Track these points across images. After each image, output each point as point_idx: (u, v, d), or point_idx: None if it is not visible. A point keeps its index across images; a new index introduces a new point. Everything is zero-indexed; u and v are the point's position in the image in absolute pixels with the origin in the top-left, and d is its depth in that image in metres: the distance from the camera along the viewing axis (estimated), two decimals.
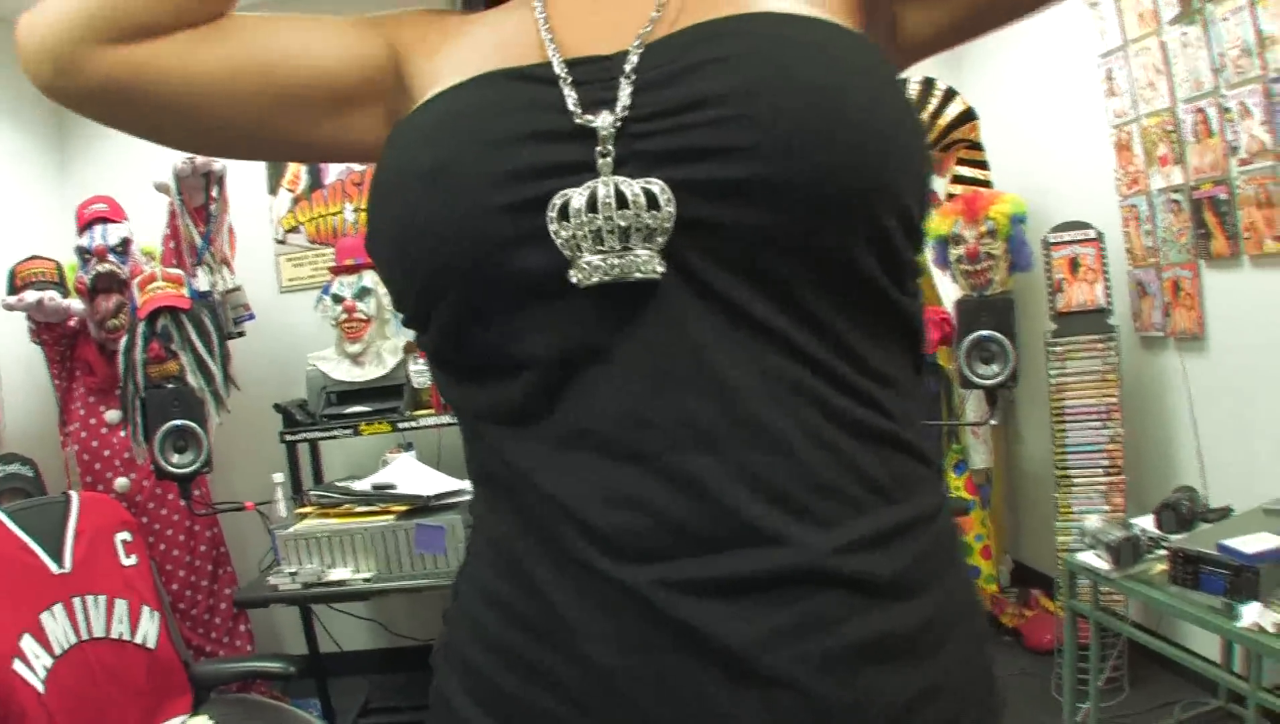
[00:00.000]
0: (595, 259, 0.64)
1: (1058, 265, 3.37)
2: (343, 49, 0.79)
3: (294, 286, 4.19)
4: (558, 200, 0.64)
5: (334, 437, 3.57)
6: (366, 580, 2.83)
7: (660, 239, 0.63)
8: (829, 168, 0.63)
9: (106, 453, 3.57)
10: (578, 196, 0.64)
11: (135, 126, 0.78)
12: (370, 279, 3.57)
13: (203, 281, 3.54)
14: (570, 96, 0.67)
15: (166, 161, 3.45)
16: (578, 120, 0.66)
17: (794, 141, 0.62)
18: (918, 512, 0.69)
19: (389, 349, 3.64)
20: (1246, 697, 2.34)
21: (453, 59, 0.78)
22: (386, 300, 3.64)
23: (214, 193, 3.59)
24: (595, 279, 0.64)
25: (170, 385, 3.24)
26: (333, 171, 4.26)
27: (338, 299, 3.58)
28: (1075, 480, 3.30)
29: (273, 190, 4.22)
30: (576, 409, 0.66)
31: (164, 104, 0.75)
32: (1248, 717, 2.36)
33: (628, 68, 0.67)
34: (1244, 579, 2.20)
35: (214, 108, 0.75)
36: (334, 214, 4.23)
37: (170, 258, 3.62)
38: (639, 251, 0.63)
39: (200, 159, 3.46)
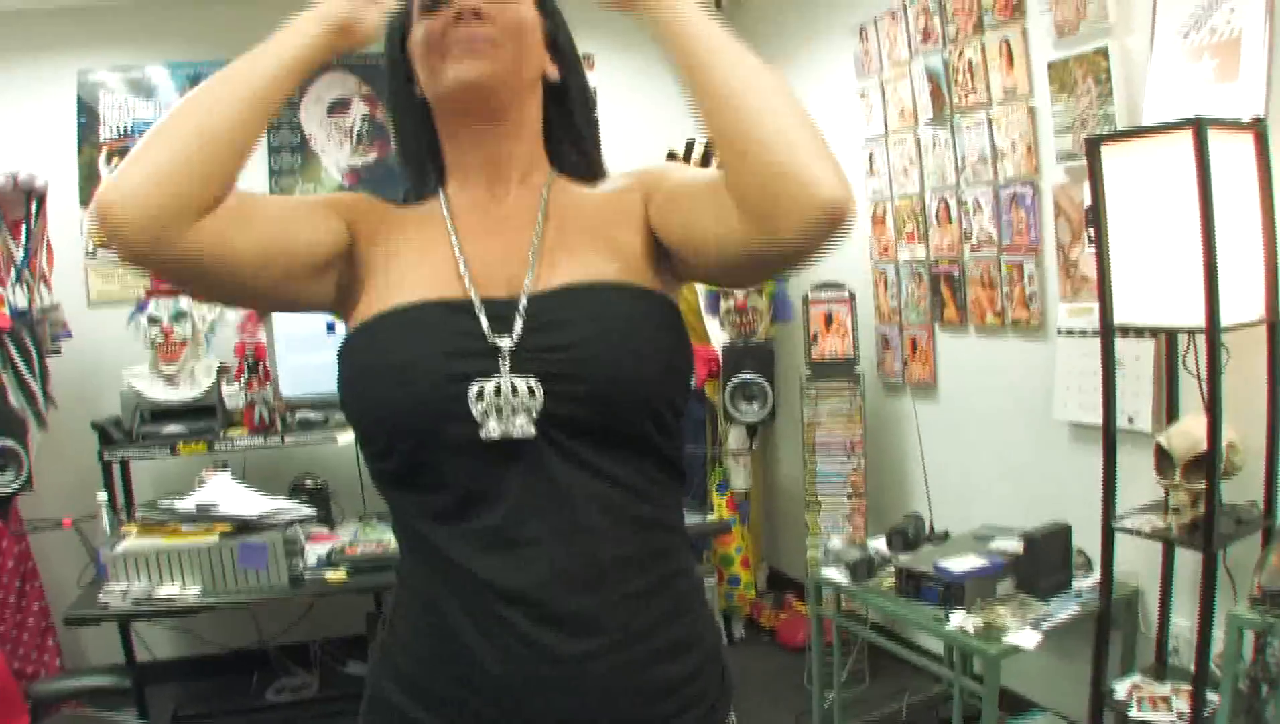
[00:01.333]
0: (494, 424, 0.98)
1: (815, 319, 3.87)
2: (325, 230, 1.08)
3: (104, 300, 4.16)
4: (474, 388, 0.98)
5: (152, 457, 3.62)
6: (196, 596, 2.97)
7: (534, 414, 0.98)
8: (628, 388, 1.00)
9: None
10: (488, 386, 0.98)
11: (196, 289, 1.03)
12: (186, 302, 3.64)
13: (20, 298, 3.54)
14: (485, 325, 1.02)
15: None
16: (490, 341, 1.01)
17: (609, 373, 0.99)
18: (677, 567, 1.09)
19: (203, 369, 3.73)
20: (953, 681, 2.91)
21: (392, 261, 1.10)
22: (201, 323, 3.72)
23: (34, 209, 3.59)
24: (495, 435, 0.98)
25: None
26: None
27: (154, 321, 3.63)
28: (824, 504, 3.84)
29: (84, 202, 4.18)
30: (482, 515, 1.00)
31: (215, 276, 0.99)
32: (955, 697, 2.94)
33: (520, 309, 1.03)
34: (952, 592, 2.72)
35: (247, 278, 1.01)
36: None
37: None
38: (520, 420, 0.98)
39: (23, 174, 3.47)
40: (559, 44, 1.17)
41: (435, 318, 1.03)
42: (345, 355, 1.05)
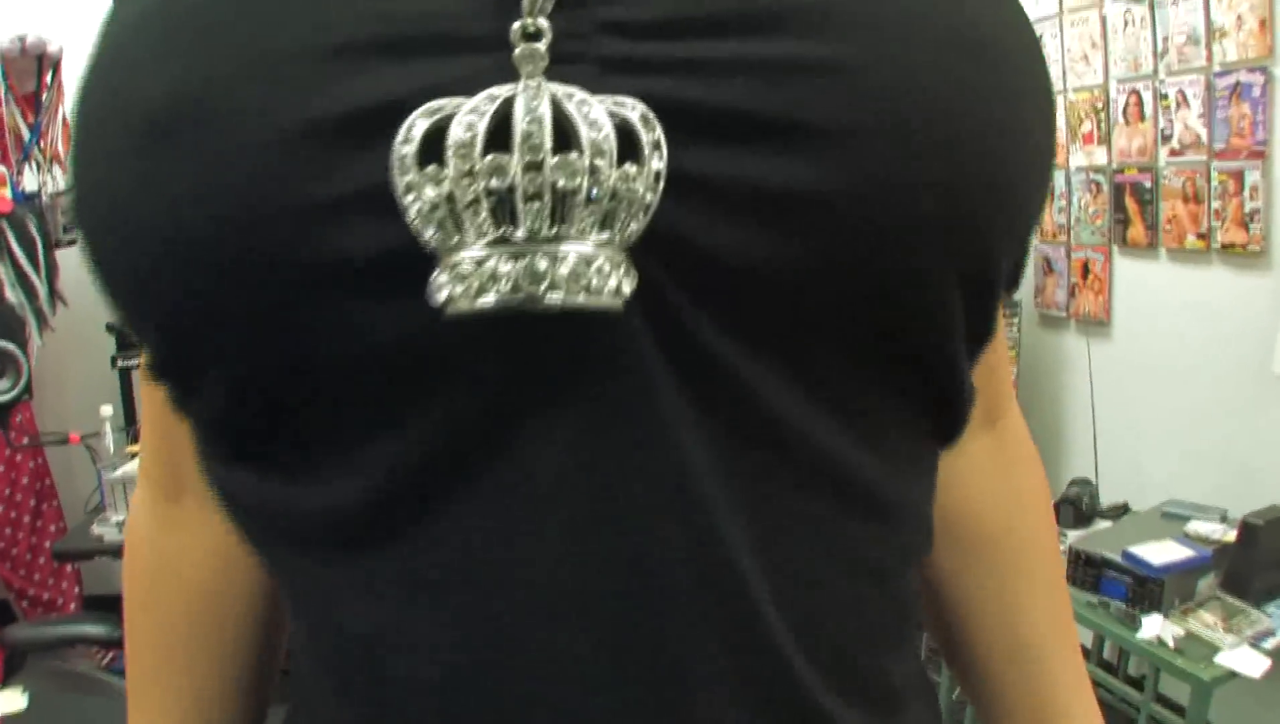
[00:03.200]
0: (488, 255, 0.33)
1: None
2: None
3: None
4: (420, 122, 0.33)
5: None
6: None
7: (633, 225, 0.34)
8: (976, 194, 0.38)
9: None
10: (464, 120, 0.33)
11: None
12: None
13: (29, 181, 3.14)
14: None
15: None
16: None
17: (931, 116, 0.36)
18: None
19: None
20: (1139, 706, 2.35)
21: None
22: None
23: (47, 79, 3.17)
24: (487, 299, 0.33)
25: None
26: None
27: None
28: None
29: None
30: (446, 538, 0.39)
31: None
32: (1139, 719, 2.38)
33: None
34: (1147, 589, 2.17)
35: None
36: None
37: None
38: (586, 247, 0.33)
39: (32, 38, 3.05)
40: None
41: None
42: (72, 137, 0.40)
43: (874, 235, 0.36)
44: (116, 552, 2.62)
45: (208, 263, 0.35)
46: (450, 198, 0.33)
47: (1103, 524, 2.55)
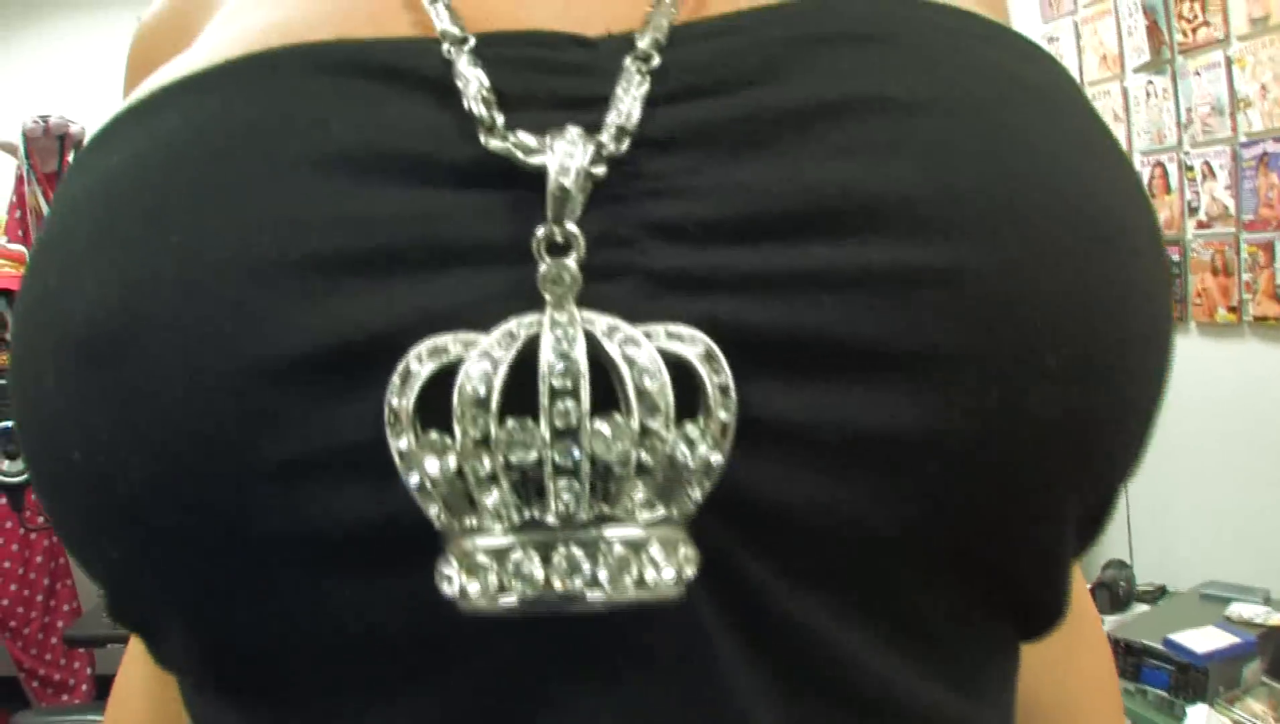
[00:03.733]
0: (509, 545, 0.26)
1: None
2: None
3: None
4: (418, 366, 0.26)
5: None
6: None
7: (695, 493, 0.27)
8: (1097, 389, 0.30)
9: None
10: (475, 370, 0.26)
11: None
12: None
13: None
14: (476, 85, 0.29)
15: (14, 116, 3.04)
16: (494, 145, 0.28)
17: (1061, 332, 0.29)
18: None
19: None
20: None
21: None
22: None
23: (69, 158, 3.16)
24: (509, 599, 0.26)
25: (3, 381, 2.84)
26: None
27: None
28: None
29: None
30: None
31: None
32: None
33: (647, 49, 0.30)
34: (1191, 678, 2.09)
35: None
36: None
37: (15, 229, 3.22)
38: (635, 531, 0.27)
39: (54, 119, 3.08)
40: None
41: (272, 108, 0.30)
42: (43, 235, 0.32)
43: (993, 481, 0.29)
44: (128, 638, 2.59)
45: (145, 522, 0.28)
46: (459, 473, 0.26)
47: (1140, 608, 2.48)
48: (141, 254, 0.28)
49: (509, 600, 0.26)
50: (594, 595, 0.26)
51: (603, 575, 0.26)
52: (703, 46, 0.31)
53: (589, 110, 0.29)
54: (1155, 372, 0.33)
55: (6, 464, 2.78)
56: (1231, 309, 2.65)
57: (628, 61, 0.29)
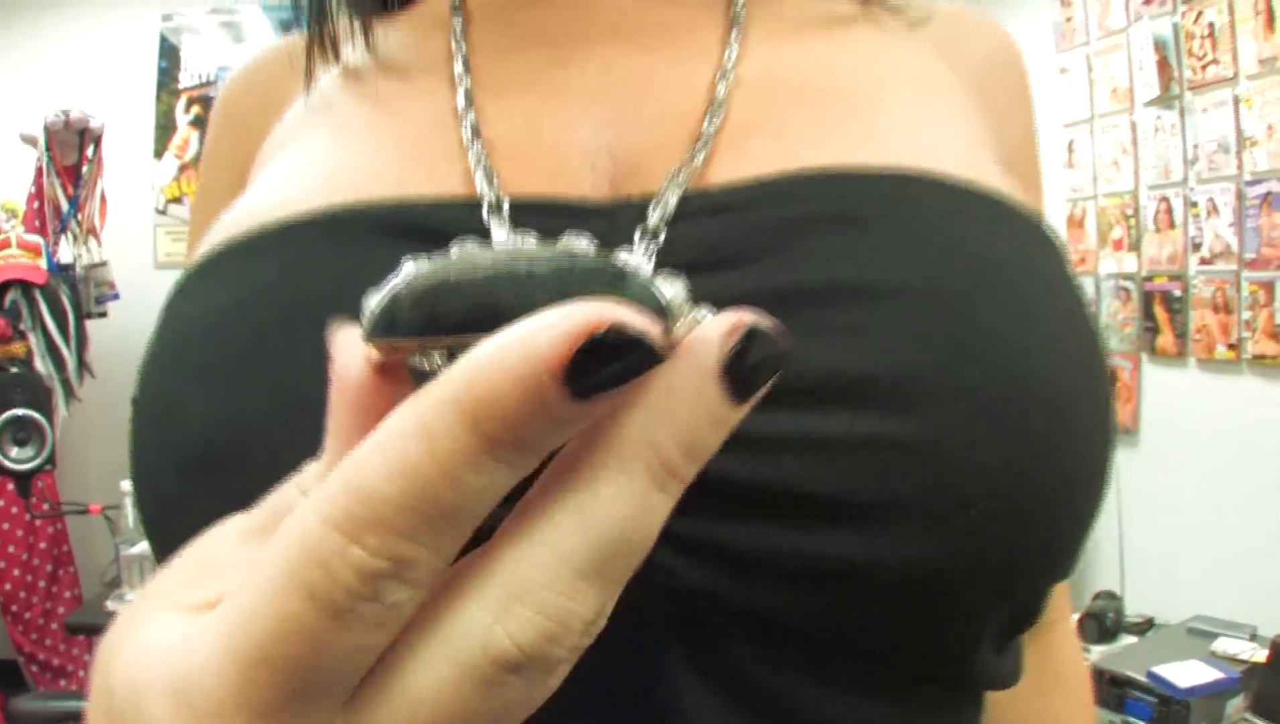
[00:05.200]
0: None
1: None
2: None
3: (171, 263, 3.81)
4: None
5: None
6: None
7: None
8: (1025, 539, 0.36)
9: None
10: None
11: None
12: None
13: (65, 252, 3.19)
14: None
15: (36, 106, 3.08)
16: None
17: (996, 492, 0.34)
18: None
19: None
20: None
21: (303, 144, 0.47)
22: None
23: (88, 152, 3.21)
24: None
25: (15, 369, 2.89)
26: None
27: None
28: None
29: (158, 154, 3.85)
30: None
31: None
32: None
33: (655, 221, 0.36)
34: (1174, 711, 2.13)
35: None
36: None
37: (33, 219, 3.24)
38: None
39: (76, 112, 3.10)
40: None
41: (346, 261, 0.38)
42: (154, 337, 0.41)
43: (922, 604, 0.35)
44: None
45: None
46: None
47: (1128, 639, 2.51)
48: (244, 391, 0.35)
49: None
50: None
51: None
52: (705, 224, 0.36)
53: None
54: (1085, 512, 0.37)
55: (15, 451, 2.81)
56: (1231, 346, 2.68)
57: (638, 236, 0.36)
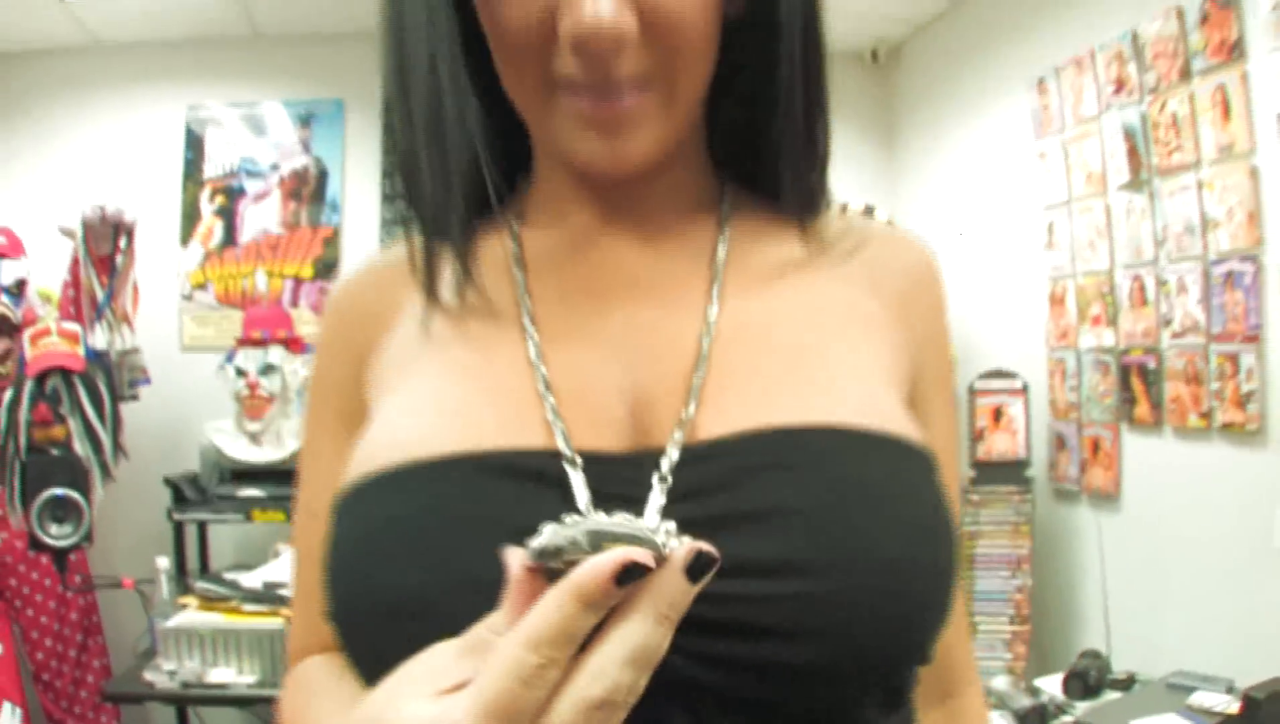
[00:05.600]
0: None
1: (982, 412, 3.40)
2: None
3: (195, 346, 4.00)
4: None
5: (224, 520, 3.44)
6: (250, 685, 2.67)
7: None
8: (891, 646, 0.59)
9: None
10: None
11: None
12: (276, 356, 3.44)
13: (100, 339, 3.34)
14: (586, 494, 0.59)
15: (72, 198, 3.31)
16: None
17: (865, 622, 0.57)
18: None
19: (289, 430, 3.48)
20: None
21: (406, 375, 0.68)
22: (293, 378, 3.49)
23: (121, 244, 3.39)
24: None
25: (55, 451, 3.04)
26: (248, 230, 4.10)
27: (240, 372, 3.43)
28: (981, 627, 3.31)
29: (184, 241, 4.04)
30: None
31: None
32: None
33: (660, 475, 0.59)
34: None
35: None
36: (245, 275, 4.07)
37: (68, 306, 3.41)
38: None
39: (111, 207, 3.28)
40: None
41: (480, 492, 0.59)
42: (332, 529, 0.64)
43: (827, 687, 0.57)
44: (166, 699, 2.75)
45: None
46: None
47: (1112, 695, 2.60)
48: (416, 574, 0.56)
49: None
50: None
51: None
52: (695, 468, 0.58)
53: (632, 506, 0.54)
54: (929, 627, 0.60)
55: (54, 528, 2.96)
56: (1202, 415, 2.78)
57: (655, 480, 0.57)
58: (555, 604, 0.44)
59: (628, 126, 0.62)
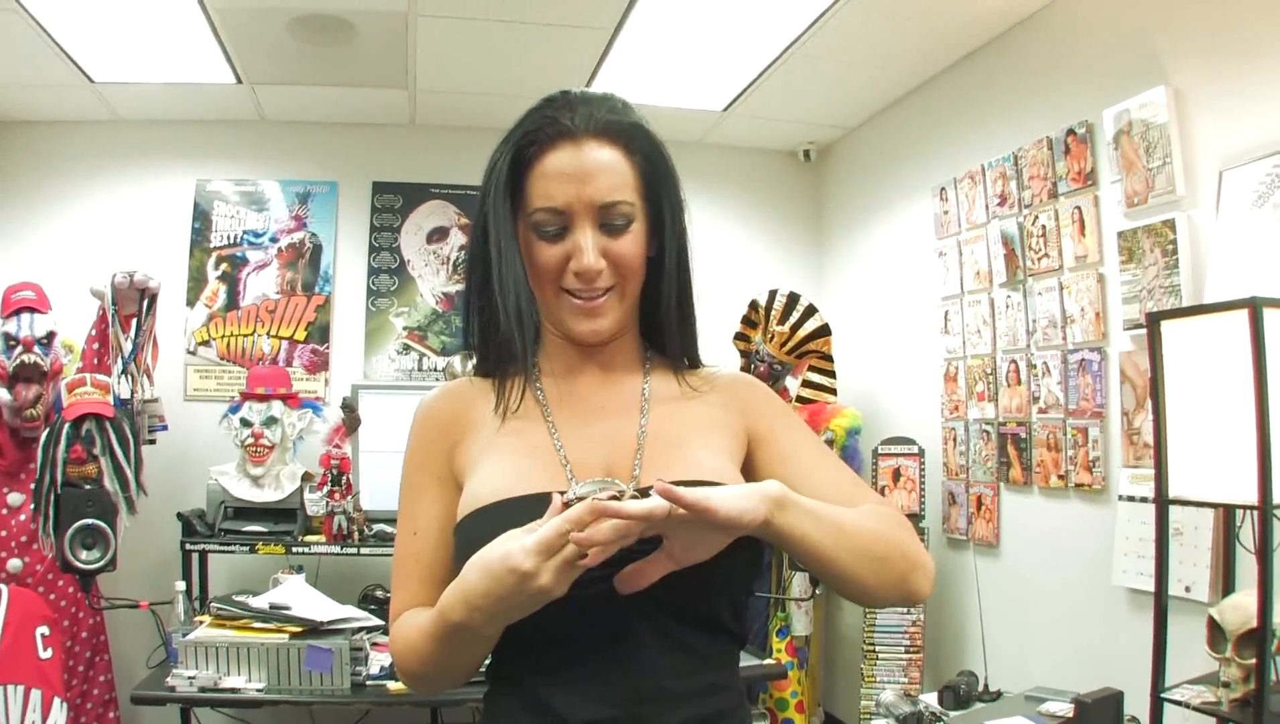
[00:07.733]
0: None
1: (884, 473, 3.92)
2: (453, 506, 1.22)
3: (198, 396, 4.42)
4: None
5: (231, 551, 3.83)
6: (258, 690, 3.06)
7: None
8: (709, 583, 1.11)
9: (3, 533, 3.67)
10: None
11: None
12: (278, 409, 3.88)
13: (123, 389, 3.72)
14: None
15: (90, 259, 3.82)
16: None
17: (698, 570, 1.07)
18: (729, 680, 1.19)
19: (288, 474, 3.92)
20: None
21: (490, 449, 1.20)
22: (291, 430, 3.93)
23: (144, 306, 3.79)
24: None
25: (88, 486, 3.42)
26: (249, 295, 4.55)
27: (246, 423, 3.87)
28: (881, 655, 3.81)
29: (190, 303, 4.48)
30: (574, 668, 1.11)
31: None
32: None
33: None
34: None
35: None
36: (246, 335, 4.51)
37: (91, 357, 3.81)
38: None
39: (140, 275, 3.70)
40: (661, 212, 1.22)
41: (533, 510, 1.06)
42: (460, 536, 1.16)
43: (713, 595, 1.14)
44: (187, 701, 3.13)
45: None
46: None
47: (979, 705, 3.08)
48: (511, 526, 1.05)
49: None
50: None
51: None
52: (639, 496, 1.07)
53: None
54: (746, 578, 1.19)
55: (84, 554, 3.33)
56: (1060, 477, 3.29)
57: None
58: (565, 518, 0.96)
59: (599, 315, 1.19)
